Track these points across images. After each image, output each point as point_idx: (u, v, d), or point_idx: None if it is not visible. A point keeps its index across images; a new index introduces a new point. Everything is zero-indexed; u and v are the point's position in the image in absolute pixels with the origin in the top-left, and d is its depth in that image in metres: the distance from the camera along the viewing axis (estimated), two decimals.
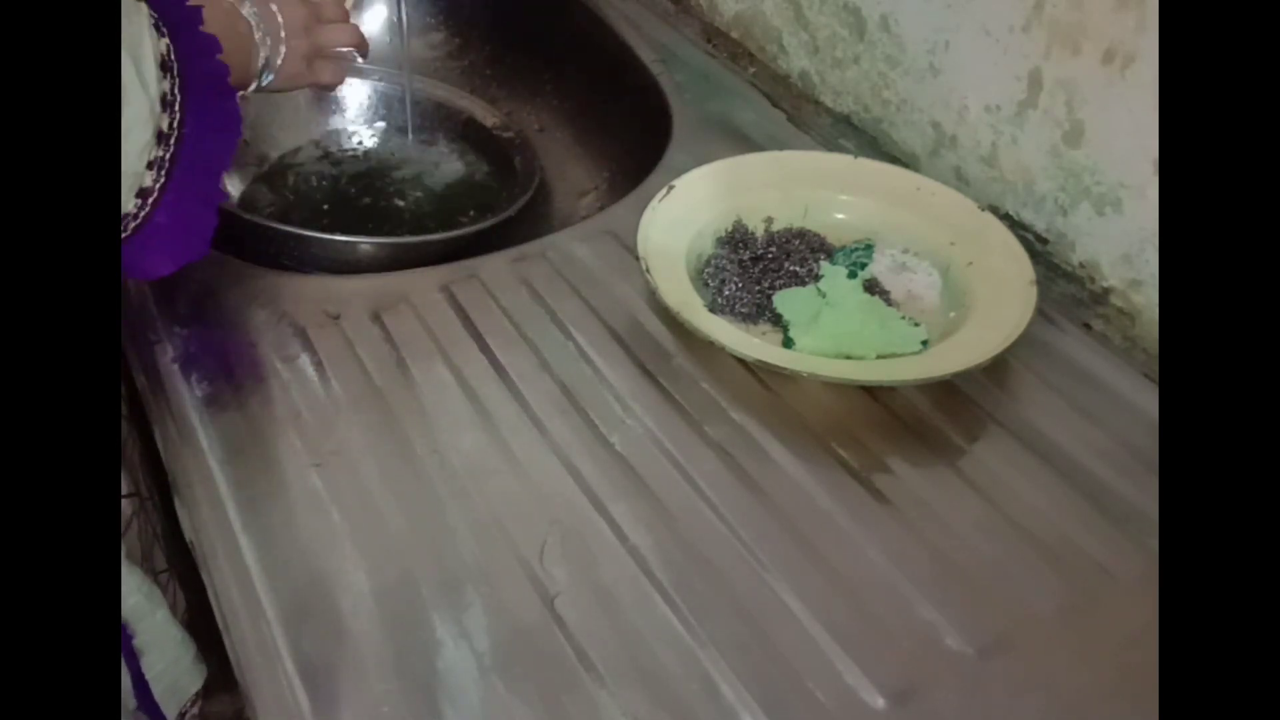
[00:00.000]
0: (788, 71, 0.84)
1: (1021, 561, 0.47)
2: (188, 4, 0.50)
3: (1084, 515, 0.49)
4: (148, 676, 0.54)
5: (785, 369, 0.53)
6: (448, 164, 0.87)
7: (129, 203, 0.47)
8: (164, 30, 0.47)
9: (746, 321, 0.60)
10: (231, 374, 0.54)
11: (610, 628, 0.43)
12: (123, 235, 0.47)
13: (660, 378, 0.55)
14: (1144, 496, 0.50)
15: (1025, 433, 0.53)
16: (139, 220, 0.47)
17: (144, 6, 0.46)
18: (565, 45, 0.95)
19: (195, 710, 0.59)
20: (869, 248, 0.64)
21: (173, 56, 0.47)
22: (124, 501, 0.64)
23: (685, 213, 0.63)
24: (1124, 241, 0.60)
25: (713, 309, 0.59)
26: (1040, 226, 0.66)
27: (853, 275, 0.62)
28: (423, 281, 0.61)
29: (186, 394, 0.53)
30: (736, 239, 0.64)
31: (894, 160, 0.73)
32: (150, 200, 0.47)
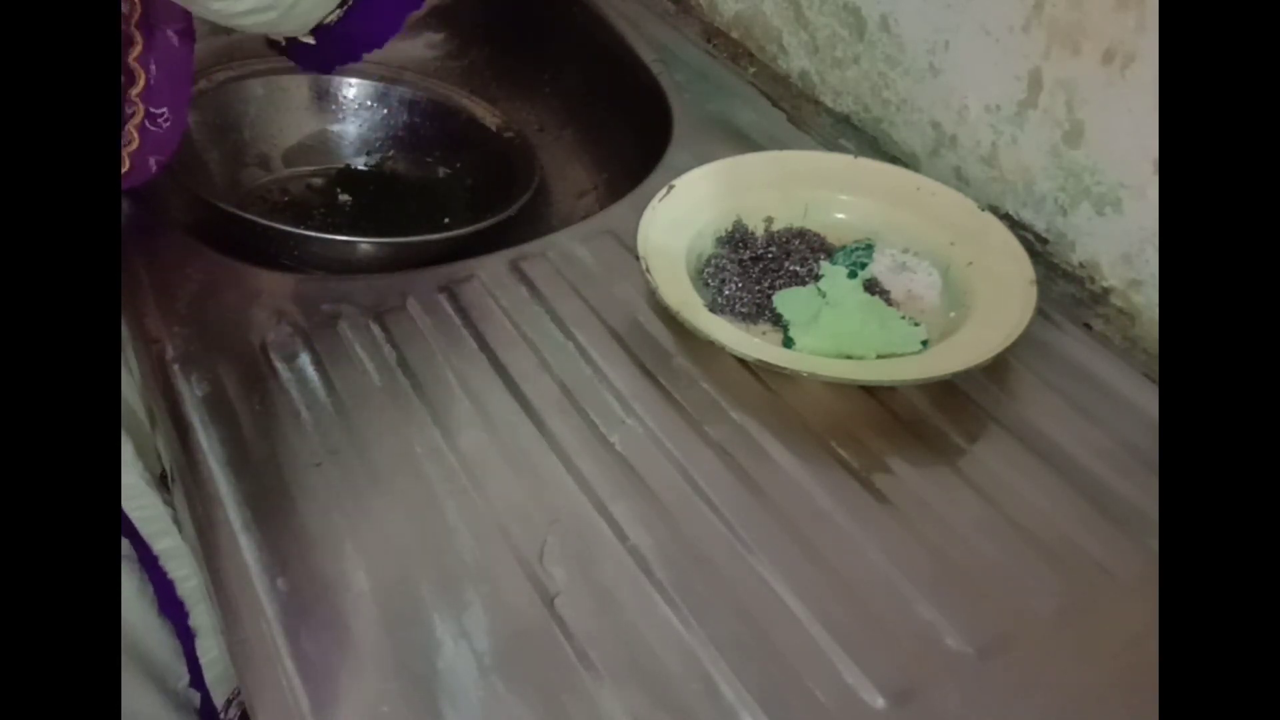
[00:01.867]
0: (788, 71, 0.84)
1: (1021, 561, 0.47)
2: None
3: (1084, 515, 0.49)
4: (202, 661, 0.55)
5: (785, 369, 0.54)
6: (447, 164, 0.87)
7: None
8: None
9: (746, 321, 0.60)
10: (231, 374, 0.54)
11: (610, 628, 0.43)
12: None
13: (660, 378, 0.55)
14: (1144, 496, 0.50)
15: (1025, 433, 0.53)
16: None
17: None
18: (565, 45, 0.95)
19: (240, 699, 0.60)
20: (869, 248, 0.64)
21: None
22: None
23: (685, 213, 0.63)
24: (1124, 241, 0.60)
25: (713, 309, 0.59)
26: (1040, 226, 0.66)
27: (853, 275, 0.62)
28: (423, 281, 0.61)
29: (186, 394, 0.53)
30: (736, 239, 0.64)
31: (894, 160, 0.73)
32: None
